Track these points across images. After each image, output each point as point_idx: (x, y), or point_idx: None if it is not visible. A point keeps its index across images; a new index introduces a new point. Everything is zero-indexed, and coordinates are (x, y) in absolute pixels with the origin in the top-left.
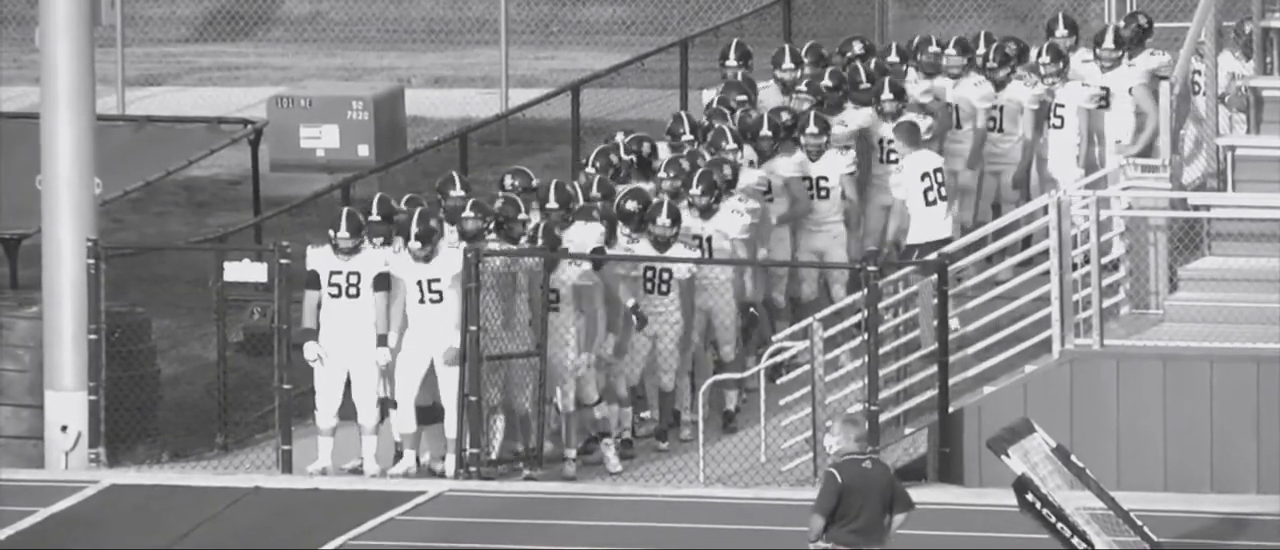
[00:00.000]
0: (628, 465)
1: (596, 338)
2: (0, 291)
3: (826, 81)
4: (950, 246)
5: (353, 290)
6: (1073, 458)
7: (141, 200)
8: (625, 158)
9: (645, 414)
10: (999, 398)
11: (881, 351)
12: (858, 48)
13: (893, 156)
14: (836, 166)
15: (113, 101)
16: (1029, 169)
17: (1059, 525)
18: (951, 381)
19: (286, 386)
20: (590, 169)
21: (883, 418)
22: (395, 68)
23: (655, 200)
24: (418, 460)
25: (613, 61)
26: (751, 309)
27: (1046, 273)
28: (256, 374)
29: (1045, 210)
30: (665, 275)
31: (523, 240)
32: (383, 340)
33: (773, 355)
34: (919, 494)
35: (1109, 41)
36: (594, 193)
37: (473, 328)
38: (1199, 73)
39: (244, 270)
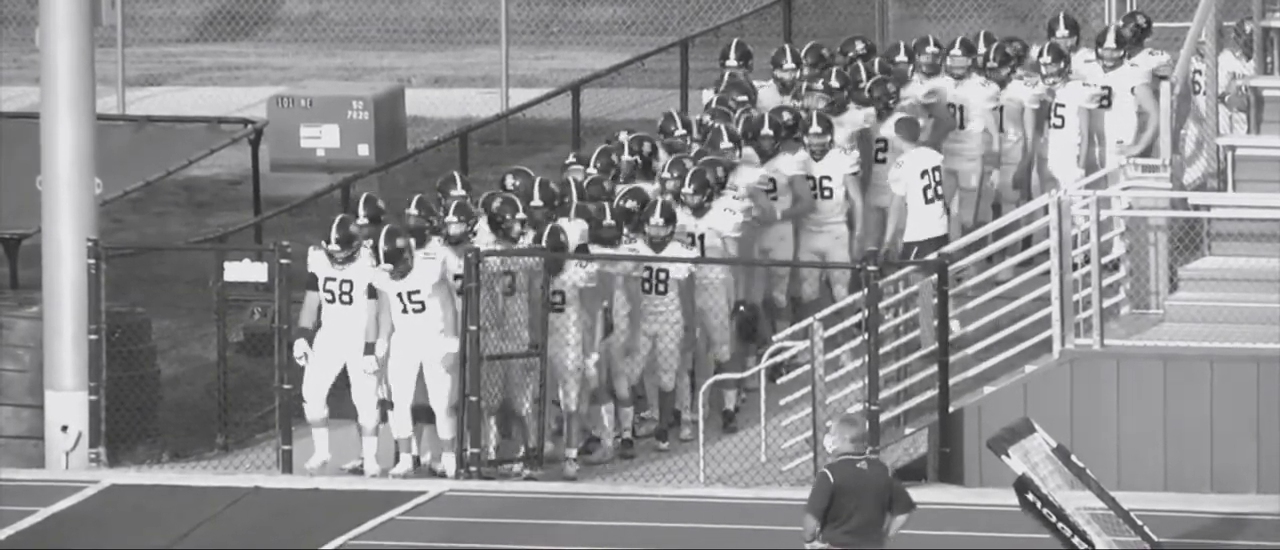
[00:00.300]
0: (628, 465)
1: (598, 338)
2: (0, 291)
3: (833, 82)
4: (950, 246)
5: (346, 297)
6: (1073, 458)
7: (142, 200)
8: (630, 158)
9: (646, 414)
10: (999, 398)
11: (882, 351)
12: (860, 47)
13: (880, 156)
14: (840, 166)
15: (113, 101)
16: (1030, 169)
17: (1059, 525)
18: (952, 381)
19: (286, 386)
20: (577, 168)
21: (883, 418)
22: (395, 68)
23: (652, 200)
24: (417, 461)
25: (613, 61)
26: (741, 306)
27: (1047, 273)
28: (257, 374)
29: (1045, 210)
30: (662, 275)
31: (523, 240)
32: (370, 348)
33: (773, 355)
34: (919, 494)
35: (1110, 41)
36: (571, 193)
37: (473, 328)
38: (1199, 72)
39: (244, 270)
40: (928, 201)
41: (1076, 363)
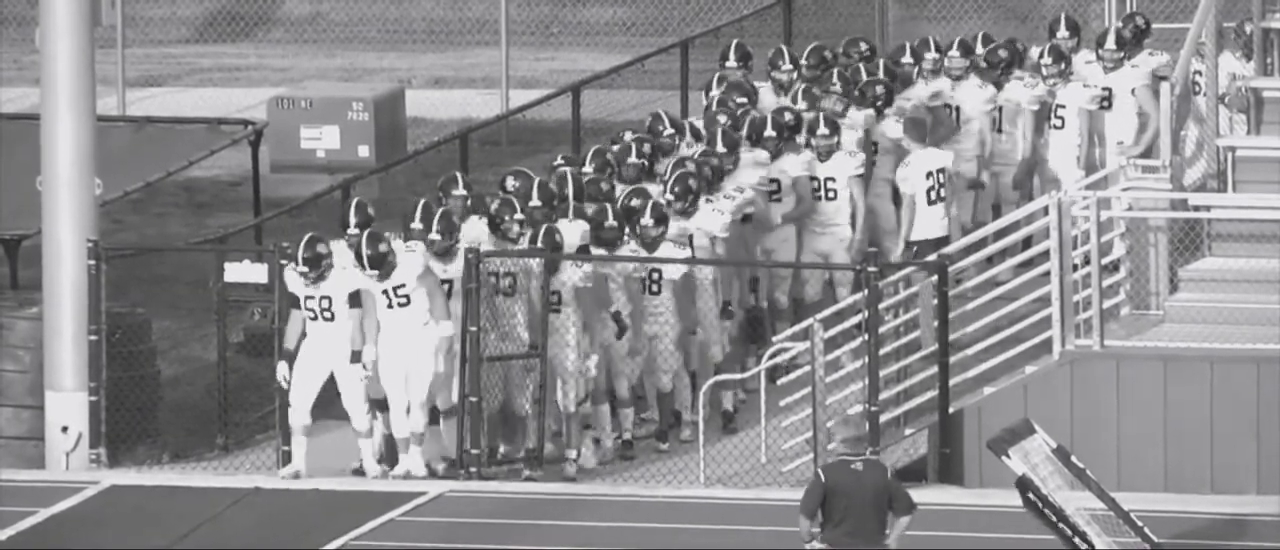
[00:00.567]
0: (627, 465)
1: (598, 338)
2: (0, 292)
3: (835, 84)
4: (950, 247)
5: (328, 314)
6: (1073, 458)
7: (142, 201)
8: (636, 160)
9: (646, 415)
10: (999, 398)
11: (882, 352)
12: (862, 48)
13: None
14: (845, 168)
15: (113, 102)
16: (1029, 171)
17: (1060, 526)
18: (952, 382)
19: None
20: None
21: (883, 418)
22: (395, 68)
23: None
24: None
25: (613, 62)
26: (728, 306)
27: (1047, 273)
28: (257, 375)
29: (1045, 211)
30: (655, 276)
31: (522, 241)
32: (357, 356)
33: (773, 356)
34: (919, 495)
35: (1111, 42)
36: (568, 191)
37: (473, 328)
38: (1199, 73)
39: (244, 271)
40: (930, 202)
41: (1076, 363)
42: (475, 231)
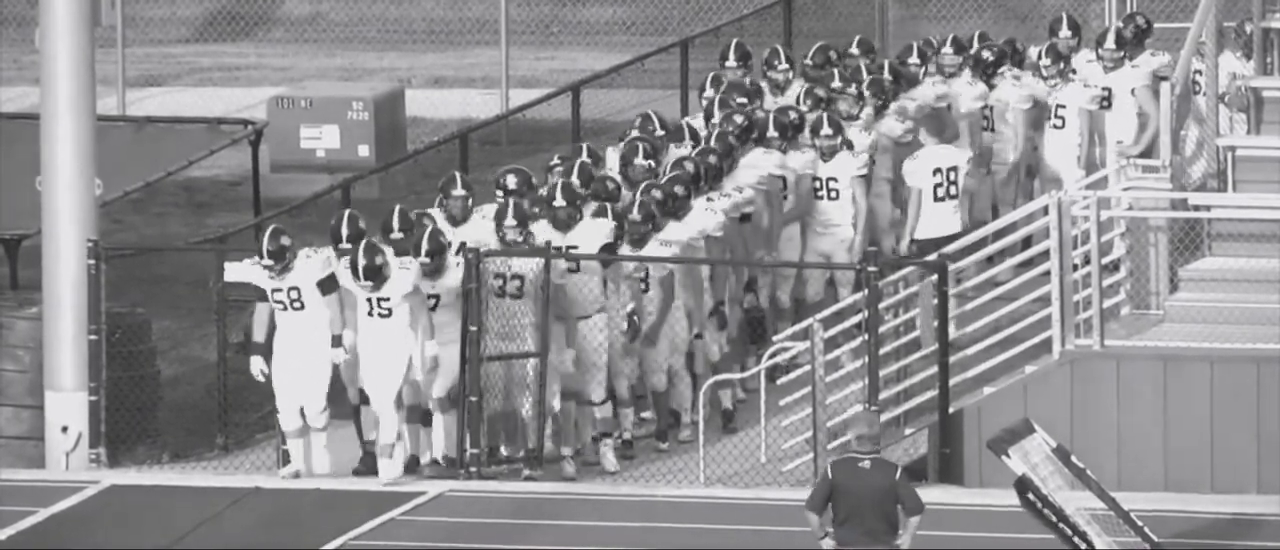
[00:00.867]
0: (627, 465)
1: (575, 337)
2: (0, 292)
3: (837, 84)
4: (950, 247)
5: (297, 305)
6: (1073, 458)
7: (142, 201)
8: (644, 161)
9: (646, 414)
10: (999, 398)
11: (882, 352)
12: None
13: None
14: (848, 169)
15: (113, 102)
16: (1017, 169)
17: (1060, 525)
18: (952, 382)
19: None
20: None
21: (883, 418)
22: (395, 68)
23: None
24: (417, 460)
25: (613, 62)
26: (720, 306)
27: (1047, 273)
28: None
29: (1045, 211)
30: (644, 274)
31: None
32: (338, 340)
33: (773, 355)
34: (919, 495)
35: (1110, 42)
36: (558, 198)
37: (473, 328)
38: (1200, 73)
39: (244, 271)
40: (937, 200)
41: (1076, 363)
42: (479, 231)
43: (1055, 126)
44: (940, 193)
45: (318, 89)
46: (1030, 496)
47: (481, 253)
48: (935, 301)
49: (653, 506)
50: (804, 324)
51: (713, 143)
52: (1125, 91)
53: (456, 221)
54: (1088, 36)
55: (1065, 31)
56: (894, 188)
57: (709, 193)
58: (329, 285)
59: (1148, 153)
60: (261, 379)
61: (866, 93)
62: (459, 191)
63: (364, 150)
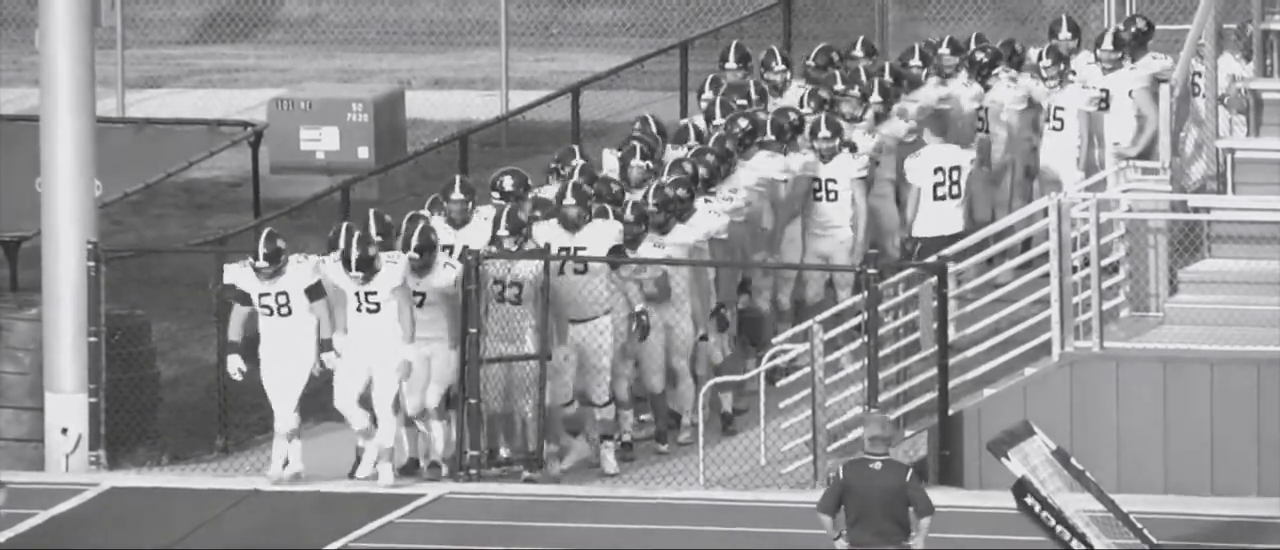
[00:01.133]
0: (627, 467)
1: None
2: (0, 294)
3: (840, 85)
4: (950, 248)
5: (284, 310)
6: (1073, 460)
7: (141, 202)
8: (642, 162)
9: (645, 416)
10: (999, 400)
11: (882, 354)
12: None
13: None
14: (848, 170)
15: (113, 103)
16: (1013, 169)
17: (1058, 528)
18: (951, 384)
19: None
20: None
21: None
22: (395, 70)
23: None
24: (416, 463)
25: (613, 63)
26: (721, 309)
27: (1046, 275)
28: (256, 376)
29: (1045, 213)
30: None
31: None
32: (328, 345)
33: (773, 358)
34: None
35: (1108, 43)
36: (568, 198)
37: (472, 330)
38: (1199, 75)
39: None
40: (936, 199)
41: (1076, 365)
42: (480, 234)
43: (1054, 128)
44: (940, 191)
45: (317, 91)
46: (1028, 500)
47: (481, 255)
48: (935, 303)
49: (652, 508)
50: (804, 326)
51: (711, 145)
52: (1123, 93)
53: (456, 225)
54: (1087, 38)
55: (1065, 33)
56: (898, 189)
57: (706, 194)
58: (315, 292)
59: (1145, 154)
60: (238, 377)
61: (875, 95)
62: (457, 195)
63: (364, 152)
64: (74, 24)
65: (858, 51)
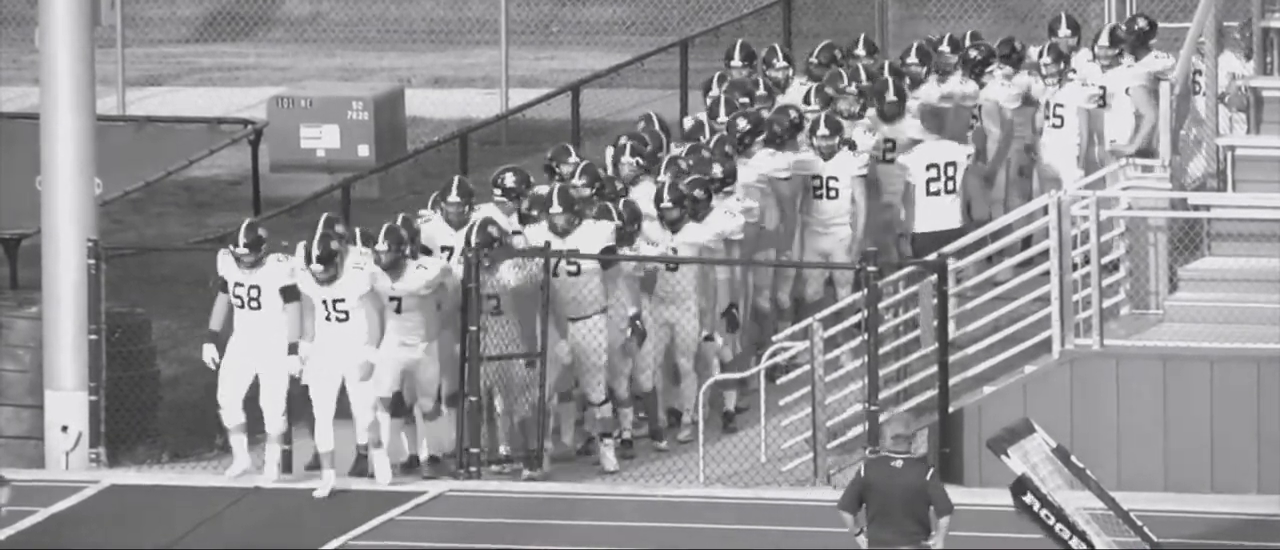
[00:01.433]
0: (627, 465)
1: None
2: (0, 292)
3: (847, 85)
4: (950, 246)
5: (254, 303)
6: (1073, 458)
7: (141, 200)
8: (630, 159)
9: (643, 415)
10: (999, 398)
11: (881, 351)
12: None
13: (889, 156)
14: (848, 168)
15: (113, 102)
16: (1007, 166)
17: (1058, 526)
18: (951, 382)
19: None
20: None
21: (883, 418)
22: (395, 68)
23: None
24: (415, 458)
25: (613, 62)
26: (733, 309)
27: (1046, 273)
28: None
29: (1045, 210)
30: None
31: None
32: (294, 348)
33: (773, 355)
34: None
35: (1104, 40)
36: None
37: (473, 328)
38: (1199, 73)
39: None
40: (930, 194)
41: (1076, 363)
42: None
43: (1054, 126)
44: (935, 187)
45: (318, 89)
46: (1028, 497)
47: (482, 253)
48: (935, 301)
49: (652, 506)
50: (803, 324)
51: (712, 146)
52: (1120, 91)
53: (454, 226)
54: (1087, 36)
55: (1064, 30)
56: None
57: (723, 194)
58: (290, 294)
59: (1143, 152)
60: (212, 366)
61: (890, 95)
62: (454, 198)
63: (364, 150)
64: (74, 22)
65: (859, 49)
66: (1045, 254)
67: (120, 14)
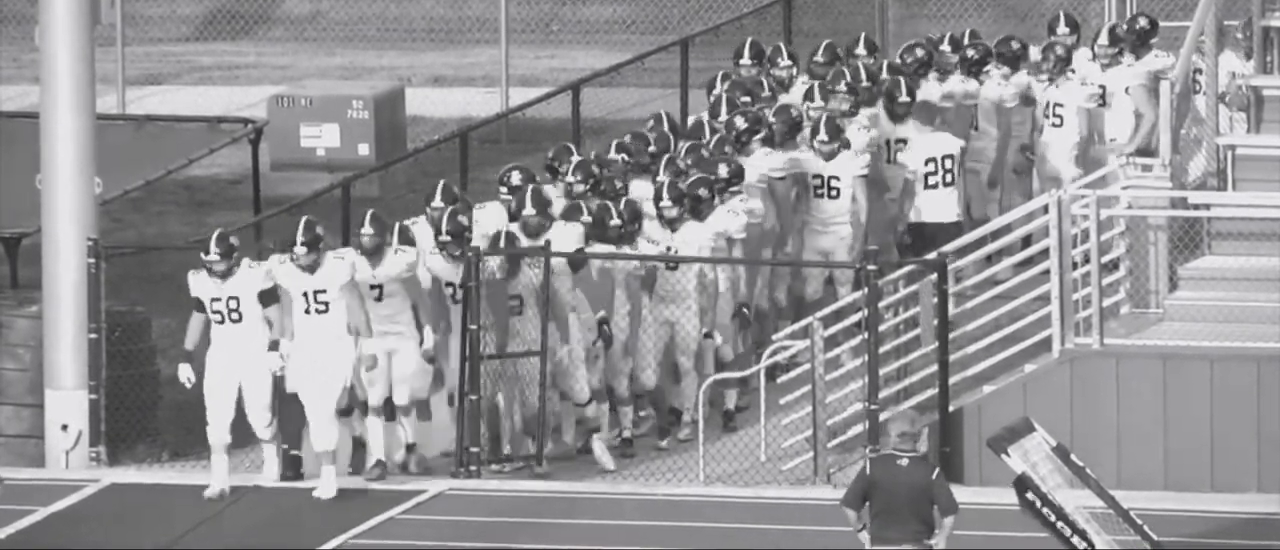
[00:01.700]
0: (627, 464)
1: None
2: (0, 291)
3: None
4: (949, 245)
5: (235, 315)
6: (1073, 457)
7: (141, 199)
8: (617, 154)
9: (645, 413)
10: (999, 397)
11: (882, 350)
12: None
13: (898, 155)
14: (850, 168)
15: (113, 101)
16: (1005, 165)
17: (1059, 524)
18: (951, 380)
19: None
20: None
21: (883, 416)
22: (395, 67)
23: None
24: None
25: (613, 61)
26: (744, 309)
27: (1046, 272)
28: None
29: (1045, 209)
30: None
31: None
32: (275, 345)
33: (773, 354)
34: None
35: (1103, 39)
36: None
37: (473, 327)
38: (1200, 72)
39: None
40: (928, 187)
41: (1076, 362)
42: (481, 227)
43: (1054, 125)
44: (933, 180)
45: (318, 87)
46: (1028, 496)
47: (481, 252)
48: (935, 300)
49: (652, 505)
50: (803, 323)
51: (712, 146)
52: (1121, 89)
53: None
54: (1087, 35)
55: (1063, 29)
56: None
57: (727, 194)
58: (268, 298)
59: (1143, 151)
60: (187, 385)
61: (903, 95)
62: (438, 202)
63: (364, 149)
64: (74, 21)
65: (860, 49)
66: (1045, 253)
67: (120, 12)
